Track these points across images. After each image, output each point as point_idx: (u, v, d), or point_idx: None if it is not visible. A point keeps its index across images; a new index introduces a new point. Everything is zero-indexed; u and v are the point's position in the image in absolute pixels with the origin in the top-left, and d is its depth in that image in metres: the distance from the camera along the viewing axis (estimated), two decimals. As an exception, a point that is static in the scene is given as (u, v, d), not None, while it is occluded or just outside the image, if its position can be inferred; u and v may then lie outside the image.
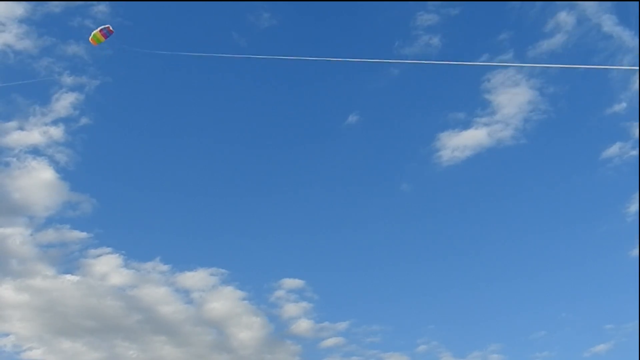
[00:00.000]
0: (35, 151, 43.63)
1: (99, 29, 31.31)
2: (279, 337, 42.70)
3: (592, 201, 45.93)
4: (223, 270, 43.31)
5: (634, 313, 37.57)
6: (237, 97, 50.25)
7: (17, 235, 41.60)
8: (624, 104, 44.84)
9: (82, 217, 43.49)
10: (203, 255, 45.07)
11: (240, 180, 48.46)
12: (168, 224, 46.37)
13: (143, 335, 41.67)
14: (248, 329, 42.38)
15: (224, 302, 42.67)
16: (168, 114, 49.33)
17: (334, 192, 48.12)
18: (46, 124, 44.37)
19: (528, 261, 45.14)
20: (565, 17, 45.98)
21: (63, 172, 43.73)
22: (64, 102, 44.75)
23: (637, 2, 39.85)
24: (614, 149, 44.45)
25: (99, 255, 42.43)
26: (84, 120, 45.12)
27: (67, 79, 45.43)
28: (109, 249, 42.63)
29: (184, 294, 42.72)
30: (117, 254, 42.59)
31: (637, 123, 42.74)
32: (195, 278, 42.99)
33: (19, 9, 44.57)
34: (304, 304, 42.90)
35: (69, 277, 41.68)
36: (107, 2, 45.93)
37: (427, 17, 47.57)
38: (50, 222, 42.79)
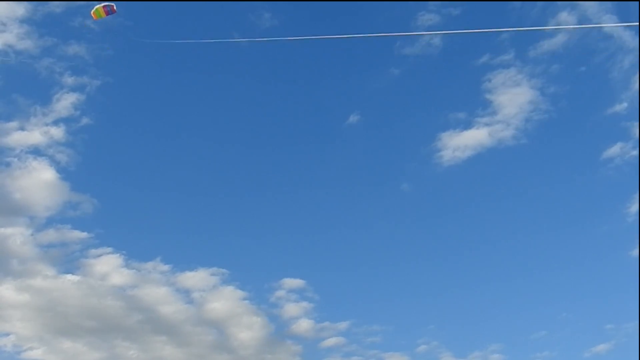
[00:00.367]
0: (36, 151, 43.81)
1: (102, 4, 31.15)
2: (279, 337, 42.81)
3: (593, 201, 46.05)
4: (223, 270, 43.45)
5: (635, 313, 37.66)
6: (237, 97, 50.39)
7: (17, 235, 41.78)
8: (624, 104, 44.96)
9: (83, 217, 43.65)
10: (203, 255, 45.23)
11: (241, 180, 48.59)
12: (168, 224, 46.50)
13: (143, 335, 41.81)
14: (248, 329, 42.50)
15: (225, 302, 42.81)
16: (169, 114, 49.49)
17: (335, 192, 48.28)
18: (47, 124, 44.53)
19: (528, 261, 45.27)
20: (566, 17, 46.06)
21: (64, 172, 43.90)
22: (65, 102, 44.92)
23: (637, 2, 39.80)
24: (614, 149, 44.56)
25: (99, 255, 42.58)
26: (84, 121, 45.28)
27: (68, 79, 45.59)
28: (109, 249, 42.78)
29: (185, 294, 42.87)
30: (118, 254, 42.73)
31: (638, 123, 42.86)
32: (196, 278, 43.13)
33: (20, 9, 44.76)
34: (305, 304, 43.02)
35: (69, 277, 41.85)
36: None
37: (428, 17, 47.71)
38: (51, 222, 42.94)
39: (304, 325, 42.35)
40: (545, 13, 46.83)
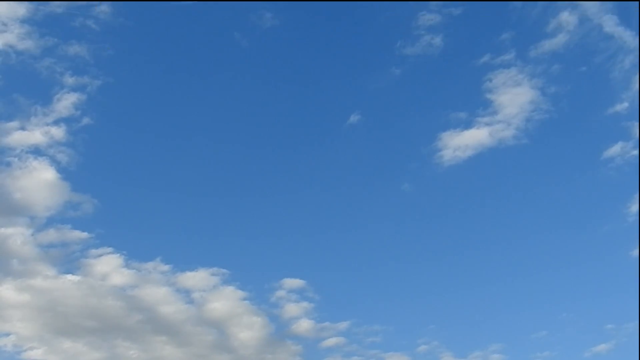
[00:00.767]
0: (37, 151, 43.71)
1: None
2: (279, 337, 42.78)
3: (594, 201, 45.90)
4: (224, 271, 43.41)
5: (635, 313, 37.67)
6: (238, 97, 50.25)
7: (18, 235, 41.68)
8: (625, 104, 44.82)
9: (83, 217, 43.53)
10: (204, 255, 45.07)
11: (241, 181, 48.48)
12: (169, 224, 46.37)
13: (144, 335, 41.79)
14: (249, 329, 42.48)
15: (225, 302, 42.77)
16: (170, 115, 49.34)
17: (335, 192, 48.15)
18: (48, 124, 44.43)
19: (529, 261, 45.14)
20: (567, 17, 45.96)
21: (64, 172, 43.78)
22: (66, 102, 44.83)
23: (638, 2, 39.86)
24: (615, 149, 44.45)
25: (100, 255, 42.51)
26: (85, 121, 45.19)
27: (69, 79, 45.48)
28: (110, 249, 42.73)
29: (185, 294, 42.84)
30: (118, 254, 42.64)
31: (638, 123, 42.83)
32: (196, 278, 43.07)
33: (21, 9, 44.73)
34: (305, 304, 42.98)
35: (69, 277, 41.80)
36: (108, 2, 46.13)
37: (429, 16, 47.58)
38: (52, 222, 42.83)
39: (304, 325, 42.43)
40: (547, 13, 46.99)
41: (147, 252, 44.50)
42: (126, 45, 48.37)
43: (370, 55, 50.20)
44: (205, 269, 43.24)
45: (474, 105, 47.15)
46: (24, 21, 44.73)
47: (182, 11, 49.22)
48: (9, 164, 43.24)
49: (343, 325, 42.62)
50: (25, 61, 45.03)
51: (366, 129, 48.22)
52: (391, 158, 48.76)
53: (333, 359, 41.44)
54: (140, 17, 48.03)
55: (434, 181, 47.12)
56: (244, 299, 42.75)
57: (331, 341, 41.89)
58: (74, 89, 45.27)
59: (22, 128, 44.08)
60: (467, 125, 46.50)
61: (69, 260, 42.34)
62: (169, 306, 42.40)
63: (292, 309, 42.73)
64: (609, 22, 45.23)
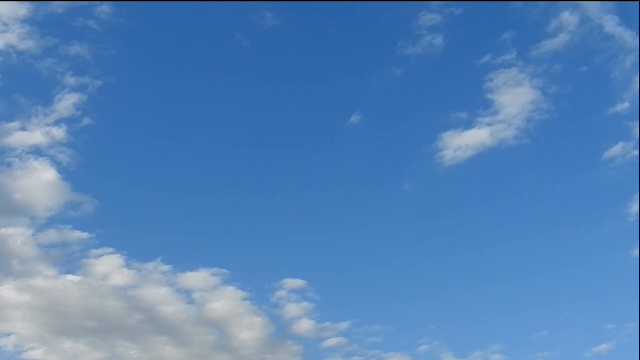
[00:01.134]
0: (37, 151, 43.72)
1: None
2: (280, 337, 42.80)
3: (594, 201, 45.89)
4: (224, 271, 43.43)
5: (635, 313, 37.67)
6: (238, 97, 50.27)
7: (18, 235, 41.72)
8: (626, 104, 44.81)
9: (84, 218, 43.57)
10: (204, 255, 45.11)
11: (242, 181, 48.51)
12: (169, 224, 46.42)
13: (144, 336, 41.82)
14: (249, 329, 42.50)
15: (225, 302, 42.80)
16: (170, 115, 49.38)
17: (336, 192, 48.17)
18: (48, 125, 44.44)
19: (529, 261, 45.17)
20: (568, 17, 45.96)
21: (65, 172, 43.80)
22: (66, 103, 44.84)
23: (638, 2, 39.84)
24: (616, 149, 44.44)
25: (100, 256, 42.55)
26: (86, 121, 45.22)
27: (70, 80, 45.53)
28: (110, 249, 42.77)
29: (185, 294, 42.88)
30: (119, 254, 42.69)
31: (638, 123, 42.81)
32: (197, 278, 43.10)
33: (22, 9, 44.76)
34: (305, 304, 43.02)
35: (70, 277, 41.85)
36: (109, 2, 46.15)
37: (430, 16, 47.59)
38: (52, 222, 42.87)
39: (305, 325, 42.46)
40: (547, 13, 46.97)
41: (148, 252, 44.63)
42: (127, 45, 48.52)
43: (371, 55, 50.31)
44: (206, 269, 43.39)
45: (475, 105, 47.26)
46: (24, 21, 44.88)
47: (183, 11, 49.36)
48: (9, 164, 43.39)
49: (343, 325, 42.75)
50: (26, 61, 45.18)
51: (367, 129, 48.32)
52: (392, 158, 48.88)
53: (333, 359, 41.57)
54: (141, 17, 48.17)
55: (434, 181, 47.25)
56: (245, 299, 42.90)
57: (332, 341, 42.03)
58: (75, 89, 45.41)
59: (23, 128, 44.21)
60: (468, 125, 46.61)
61: (69, 261, 42.51)
62: (170, 306, 42.54)
63: (292, 309, 42.87)
64: (610, 22, 45.29)
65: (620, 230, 43.51)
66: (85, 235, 42.68)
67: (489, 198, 47.43)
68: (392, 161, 48.74)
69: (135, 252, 43.34)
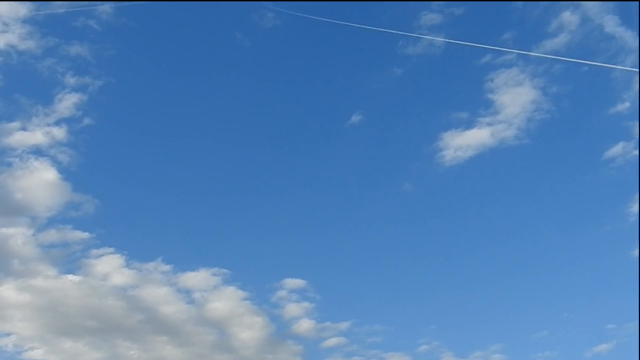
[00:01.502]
0: (38, 151, 43.83)
1: None
2: (280, 337, 42.83)
3: (595, 201, 45.82)
4: (225, 271, 43.46)
5: (635, 313, 37.54)
6: (239, 97, 50.37)
7: (19, 235, 41.84)
8: (627, 104, 44.75)
9: (84, 218, 43.65)
10: (205, 255, 45.21)
11: (242, 181, 48.56)
12: (170, 224, 46.49)
13: (144, 336, 41.87)
14: (249, 329, 42.53)
15: (226, 302, 42.84)
16: (170, 115, 49.47)
17: (336, 191, 48.21)
18: (49, 125, 44.54)
19: (530, 261, 45.13)
20: (569, 16, 45.91)
21: (65, 172, 43.89)
22: (67, 103, 44.93)
23: (638, 3, 39.74)
24: (617, 149, 44.36)
25: (100, 256, 42.62)
26: (86, 121, 45.30)
27: (70, 80, 45.61)
28: (110, 249, 42.84)
29: (186, 294, 42.93)
30: (119, 254, 42.78)
31: (638, 123, 42.76)
32: (197, 278, 43.16)
33: (23, 9, 44.85)
34: (306, 304, 43.01)
35: (70, 277, 41.94)
36: (110, 2, 46.19)
37: (431, 16, 47.57)
38: (53, 222, 42.96)
39: (305, 325, 42.46)
40: (548, 13, 46.92)
41: (148, 252, 44.74)
42: (128, 45, 48.64)
43: (371, 55, 50.34)
44: (206, 269, 43.43)
45: (476, 105, 47.27)
46: (25, 21, 45.00)
47: (183, 11, 49.48)
48: (10, 164, 43.48)
49: (344, 325, 42.75)
50: (27, 61, 45.28)
51: (368, 129, 48.35)
52: (392, 158, 48.92)
53: (334, 359, 41.58)
54: (141, 17, 48.28)
55: (435, 181, 47.26)
56: (245, 299, 42.91)
57: (332, 341, 42.02)
58: (75, 89, 45.49)
59: (24, 128, 44.33)
60: (469, 125, 46.61)
61: (69, 261, 42.58)
62: (170, 306, 42.59)
63: (292, 309, 42.87)
64: (610, 22, 45.23)
65: (620, 230, 43.55)
66: (85, 235, 42.87)
67: (489, 198, 47.54)
68: (393, 161, 48.86)
69: (136, 252, 43.51)
